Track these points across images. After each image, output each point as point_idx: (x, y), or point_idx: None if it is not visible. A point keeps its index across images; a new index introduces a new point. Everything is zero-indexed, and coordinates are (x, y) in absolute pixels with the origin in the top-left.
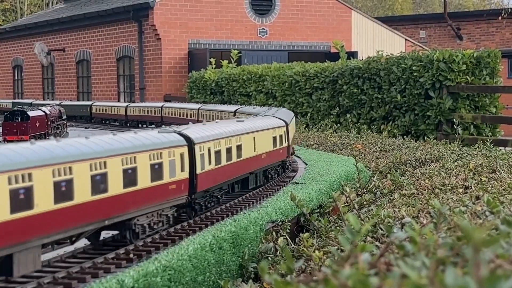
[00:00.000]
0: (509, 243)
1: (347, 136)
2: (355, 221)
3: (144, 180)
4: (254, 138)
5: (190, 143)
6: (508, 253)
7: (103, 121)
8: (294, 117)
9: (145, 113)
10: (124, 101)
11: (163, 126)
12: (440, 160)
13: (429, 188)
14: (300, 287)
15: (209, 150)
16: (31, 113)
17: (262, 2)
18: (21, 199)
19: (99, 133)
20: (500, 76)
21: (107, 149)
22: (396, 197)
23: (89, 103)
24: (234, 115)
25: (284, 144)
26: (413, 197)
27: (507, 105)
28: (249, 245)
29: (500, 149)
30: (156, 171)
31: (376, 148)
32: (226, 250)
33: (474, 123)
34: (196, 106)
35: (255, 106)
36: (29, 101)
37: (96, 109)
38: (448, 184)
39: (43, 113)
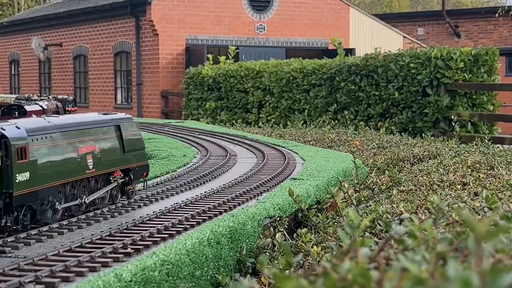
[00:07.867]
0: (509, 238)
1: (345, 133)
2: (355, 216)
3: None
4: None
5: None
6: (508, 248)
7: None
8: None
9: None
10: (121, 97)
11: None
12: (438, 157)
13: (427, 184)
14: (300, 280)
15: None
16: (28, 108)
17: None
18: None
19: None
20: (497, 74)
21: None
22: (394, 193)
23: None
24: None
25: None
26: (411, 193)
27: (504, 103)
28: (247, 240)
29: (498, 147)
30: None
31: (373, 145)
32: (224, 245)
33: (472, 120)
34: None
35: None
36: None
37: None
38: (446, 180)
39: (40, 108)
